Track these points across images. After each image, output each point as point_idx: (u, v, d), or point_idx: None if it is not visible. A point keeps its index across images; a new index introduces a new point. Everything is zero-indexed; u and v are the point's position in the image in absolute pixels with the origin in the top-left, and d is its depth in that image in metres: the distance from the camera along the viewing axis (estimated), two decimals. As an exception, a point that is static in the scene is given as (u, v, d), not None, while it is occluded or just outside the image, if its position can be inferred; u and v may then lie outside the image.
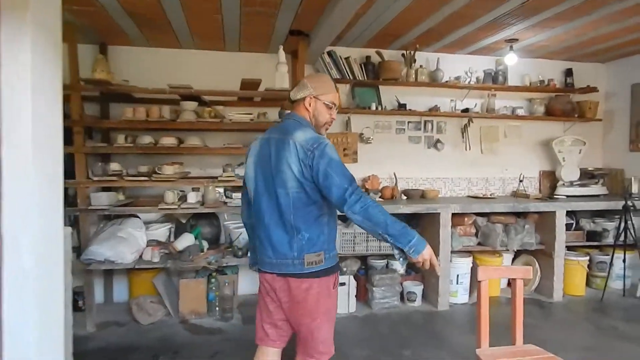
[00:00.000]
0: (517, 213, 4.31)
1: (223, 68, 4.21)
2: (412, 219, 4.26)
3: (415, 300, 4.01)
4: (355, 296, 3.91)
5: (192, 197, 3.70)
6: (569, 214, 4.40)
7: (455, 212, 3.98)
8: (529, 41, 4.19)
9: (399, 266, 4.14)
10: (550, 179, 4.98)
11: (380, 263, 4.17)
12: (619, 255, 4.30)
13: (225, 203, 3.78)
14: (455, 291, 4.05)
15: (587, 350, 3.18)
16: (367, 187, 4.37)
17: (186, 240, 3.63)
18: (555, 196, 4.68)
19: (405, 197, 4.39)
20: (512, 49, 4.21)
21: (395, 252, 1.77)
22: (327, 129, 1.98)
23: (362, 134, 4.49)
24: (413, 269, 4.29)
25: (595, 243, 4.55)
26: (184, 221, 3.97)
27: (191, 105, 3.74)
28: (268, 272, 1.87)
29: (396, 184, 4.46)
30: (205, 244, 3.79)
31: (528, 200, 4.42)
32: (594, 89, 4.85)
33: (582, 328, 3.62)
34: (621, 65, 4.89)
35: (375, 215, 1.68)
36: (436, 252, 4.04)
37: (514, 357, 2.01)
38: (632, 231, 4.19)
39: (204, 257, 3.61)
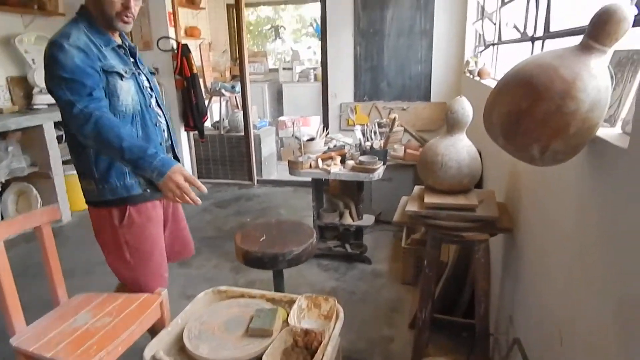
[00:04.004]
0: (-7, 134, 3.37)
1: None
2: None
3: None
4: None
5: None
6: (57, 125, 3.91)
7: None
8: None
9: None
10: (23, 86, 4.15)
11: None
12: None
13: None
14: None
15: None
16: None
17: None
18: (34, 106, 3.99)
19: None
20: None
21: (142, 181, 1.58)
22: (127, 23, 1.53)
23: None
24: None
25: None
26: None
27: None
28: None
29: None
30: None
31: (4, 116, 3.52)
32: (48, -22, 4.21)
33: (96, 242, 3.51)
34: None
35: (107, 136, 1.40)
36: None
37: (65, 322, 1.57)
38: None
39: None
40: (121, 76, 1.52)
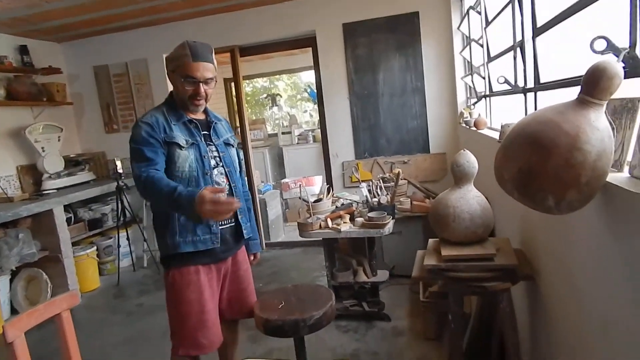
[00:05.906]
0: (5, 223, 3.41)
1: None
2: None
3: None
4: None
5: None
6: (65, 207, 3.98)
7: None
8: (-34, 1, 3.20)
9: None
10: (33, 174, 4.28)
11: None
12: (122, 234, 4.39)
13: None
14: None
15: (122, 344, 3.04)
16: None
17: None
18: (44, 192, 4.08)
19: None
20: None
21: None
22: (198, 105, 1.80)
23: None
24: None
25: (98, 230, 4.43)
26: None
27: None
28: None
29: None
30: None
31: (14, 204, 3.59)
32: (57, 70, 4.47)
33: (109, 323, 3.44)
34: (79, 46, 4.74)
35: (152, 189, 1.61)
36: None
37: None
38: (129, 209, 4.35)
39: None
40: (180, 146, 1.73)
